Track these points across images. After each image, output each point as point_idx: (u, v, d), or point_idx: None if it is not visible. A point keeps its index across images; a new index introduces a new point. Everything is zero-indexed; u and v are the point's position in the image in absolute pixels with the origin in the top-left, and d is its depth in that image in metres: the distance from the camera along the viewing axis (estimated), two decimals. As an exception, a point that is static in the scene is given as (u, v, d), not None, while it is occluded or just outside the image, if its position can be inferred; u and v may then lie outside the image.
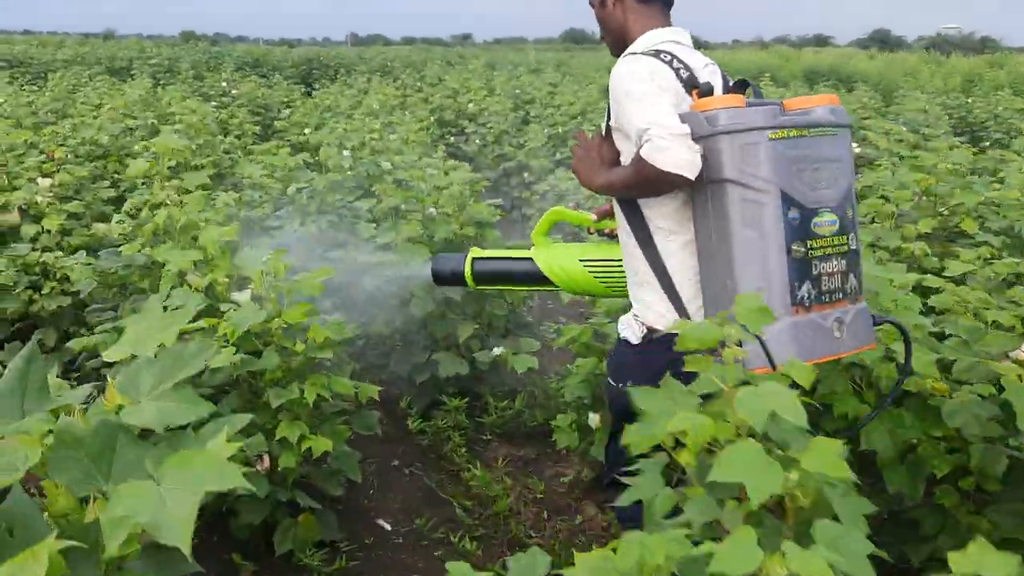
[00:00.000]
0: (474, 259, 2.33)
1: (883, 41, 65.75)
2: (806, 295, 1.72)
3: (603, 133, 2.01)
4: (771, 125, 1.71)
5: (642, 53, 1.89)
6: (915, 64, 21.56)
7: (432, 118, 9.32)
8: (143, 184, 3.31)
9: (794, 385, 1.12)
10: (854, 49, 36.05)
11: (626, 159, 1.93)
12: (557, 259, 2.21)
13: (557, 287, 2.25)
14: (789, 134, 1.71)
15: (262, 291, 2.38)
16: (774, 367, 1.49)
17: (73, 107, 7.52)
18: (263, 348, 2.35)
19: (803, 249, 1.71)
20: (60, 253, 3.60)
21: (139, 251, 2.80)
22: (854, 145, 3.40)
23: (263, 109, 10.23)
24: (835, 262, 1.76)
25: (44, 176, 4.11)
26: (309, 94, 12.38)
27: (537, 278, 2.25)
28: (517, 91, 11.77)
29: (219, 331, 2.23)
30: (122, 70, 16.15)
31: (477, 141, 8.20)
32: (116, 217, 3.18)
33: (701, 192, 1.78)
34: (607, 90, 1.95)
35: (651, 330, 1.94)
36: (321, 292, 2.39)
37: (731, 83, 1.98)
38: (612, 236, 2.21)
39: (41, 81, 12.60)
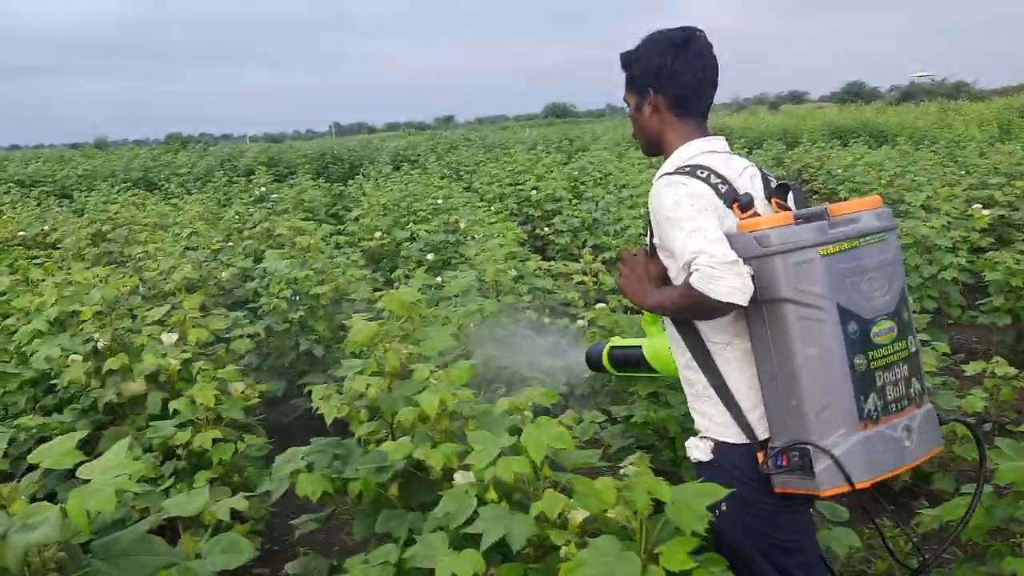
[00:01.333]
0: (612, 347, 2.41)
1: (857, 94, 66.58)
2: (872, 408, 1.71)
3: (647, 251, 1.99)
4: (822, 241, 1.70)
5: (679, 172, 1.87)
6: (933, 113, 21.32)
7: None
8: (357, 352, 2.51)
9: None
10: (874, 103, 36.02)
11: (674, 276, 1.92)
12: (656, 347, 2.23)
13: (659, 373, 2.29)
14: (841, 247, 1.71)
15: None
16: (852, 485, 1.65)
17: (140, 233, 6.86)
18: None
19: (865, 361, 1.70)
20: (216, 432, 2.87)
21: (409, 453, 2.05)
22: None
23: (310, 212, 9.65)
24: (897, 369, 1.75)
25: (169, 330, 3.40)
26: (341, 193, 11.82)
27: (649, 365, 2.28)
28: (573, 172, 11.20)
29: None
30: (140, 180, 15.66)
31: (566, 233, 7.56)
32: (319, 393, 2.41)
33: (756, 312, 1.76)
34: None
35: (716, 443, 1.91)
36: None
37: (773, 185, 1.95)
38: None
39: (67, 201, 12.02)
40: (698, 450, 1.95)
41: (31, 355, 3.42)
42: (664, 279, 1.94)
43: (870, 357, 1.71)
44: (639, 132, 2.07)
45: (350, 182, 13.89)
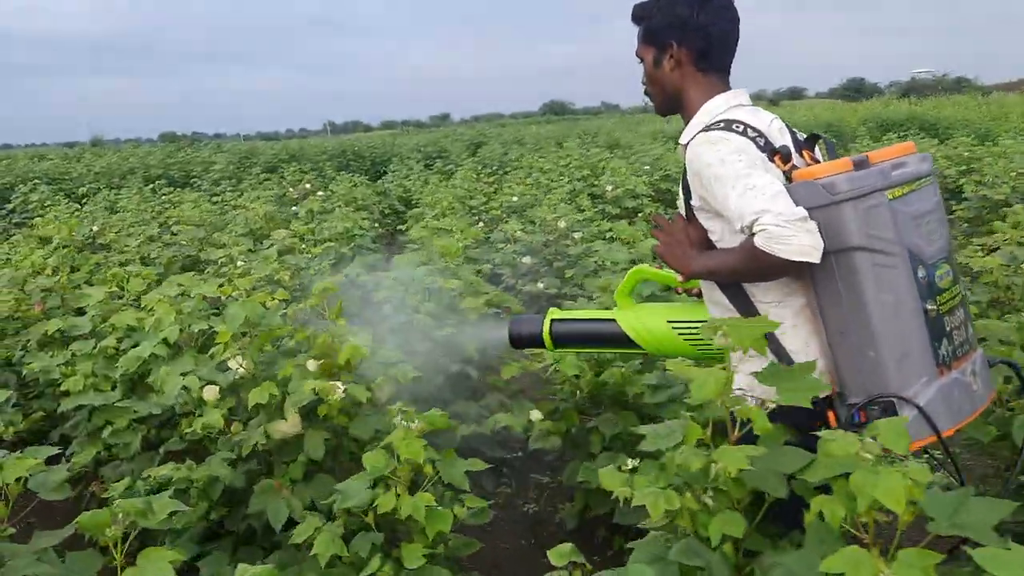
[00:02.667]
0: (553, 320, 2.24)
1: (857, 90, 66.37)
2: (946, 353, 1.69)
3: (684, 215, 1.90)
4: (888, 184, 1.66)
5: (715, 128, 1.79)
6: (973, 106, 20.64)
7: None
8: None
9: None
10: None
11: (718, 238, 1.84)
12: (643, 321, 2.12)
13: (642, 350, 2.16)
14: (903, 190, 1.68)
15: None
16: (939, 434, 1.62)
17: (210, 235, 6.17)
18: None
19: (935, 307, 1.68)
20: (430, 497, 2.21)
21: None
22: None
23: (365, 211, 8.97)
24: (957, 313, 1.73)
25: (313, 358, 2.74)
26: (385, 192, 11.17)
27: (621, 340, 2.15)
28: (643, 166, 10.53)
29: None
30: (160, 177, 14.93)
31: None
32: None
33: (823, 265, 1.66)
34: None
35: (763, 403, 1.67)
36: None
37: (800, 139, 1.89)
38: (699, 295, 2.09)
39: (88, 200, 11.31)
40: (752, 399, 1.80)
41: (159, 387, 2.76)
42: (705, 243, 1.86)
43: (938, 302, 1.69)
44: (656, 88, 1.96)
45: (380, 180, 13.25)
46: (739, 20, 1.92)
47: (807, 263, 1.62)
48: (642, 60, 1.97)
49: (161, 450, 2.88)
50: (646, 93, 2.02)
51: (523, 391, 3.84)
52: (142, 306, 3.36)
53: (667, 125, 26.95)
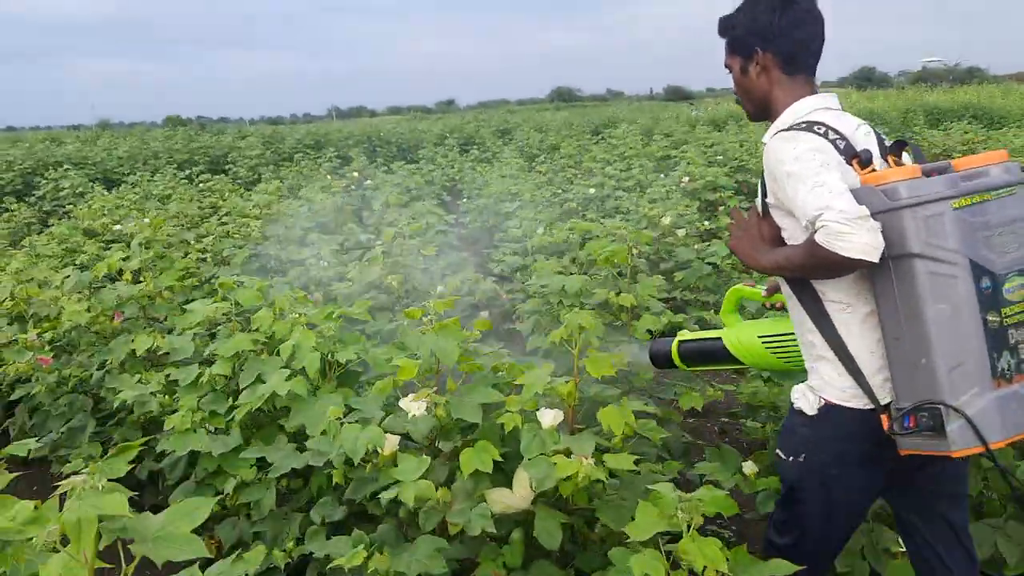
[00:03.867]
0: (680, 342, 2.35)
1: (868, 79, 65.76)
2: (1006, 367, 1.64)
3: (760, 211, 1.93)
4: (954, 194, 1.64)
5: (796, 128, 1.81)
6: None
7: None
8: None
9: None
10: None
11: (789, 236, 1.87)
12: (740, 337, 2.19)
13: (745, 365, 2.24)
14: (972, 200, 1.64)
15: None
16: (986, 446, 1.60)
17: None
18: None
19: (998, 318, 1.64)
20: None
21: None
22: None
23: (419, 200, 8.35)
24: None
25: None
26: (430, 180, 10.53)
27: (730, 357, 2.23)
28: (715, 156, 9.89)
29: None
30: (185, 163, 14.29)
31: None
32: None
33: (882, 269, 1.68)
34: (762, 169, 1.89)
35: (828, 404, 1.84)
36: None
37: (887, 144, 1.88)
38: (785, 309, 2.11)
39: (117, 186, 10.68)
40: (805, 401, 1.89)
41: (298, 431, 2.17)
42: (778, 241, 1.90)
43: (1003, 314, 1.64)
44: (745, 96, 2.01)
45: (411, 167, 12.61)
46: (823, 21, 1.93)
47: (864, 263, 1.62)
48: (731, 70, 2.02)
49: (317, 518, 2.28)
50: (737, 102, 2.05)
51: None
52: (254, 327, 2.77)
53: (695, 112, 26.45)
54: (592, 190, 7.26)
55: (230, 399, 2.63)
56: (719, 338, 2.25)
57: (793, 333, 2.02)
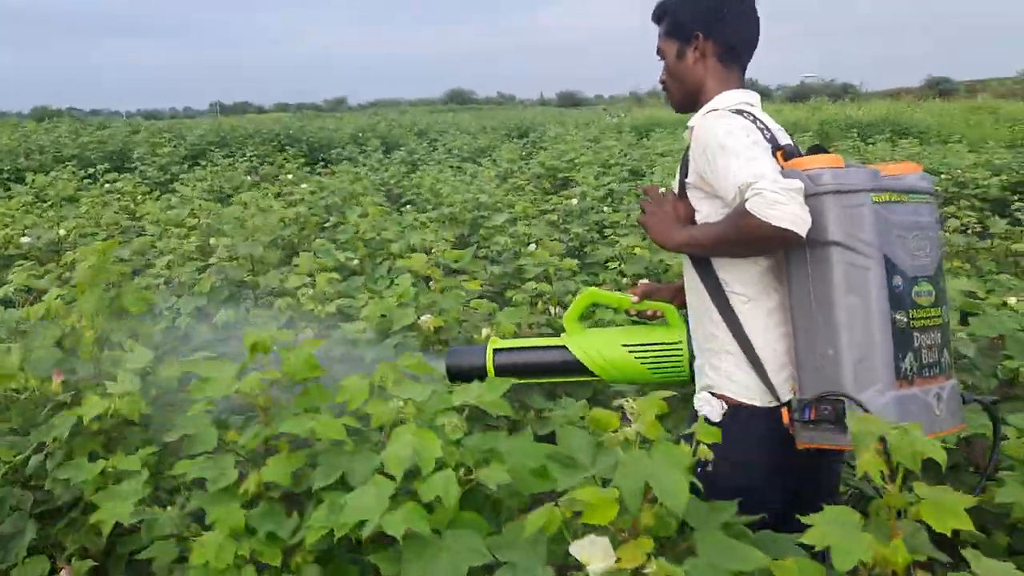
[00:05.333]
0: (495, 350, 2.16)
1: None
2: (909, 368, 1.67)
3: (676, 191, 1.95)
4: (875, 187, 1.67)
5: (727, 110, 1.83)
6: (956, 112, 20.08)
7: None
8: None
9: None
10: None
11: (703, 218, 1.87)
12: (595, 346, 2.07)
13: (596, 376, 2.10)
14: (891, 198, 1.69)
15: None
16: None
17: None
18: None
19: (905, 319, 1.67)
20: None
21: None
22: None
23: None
24: (932, 334, 1.71)
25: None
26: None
27: (572, 368, 2.10)
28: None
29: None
30: (73, 159, 12.64)
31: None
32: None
33: (798, 255, 1.71)
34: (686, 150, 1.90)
35: (733, 404, 1.83)
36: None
37: (800, 151, 1.85)
38: (652, 318, 2.14)
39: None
40: (709, 407, 1.86)
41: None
42: (691, 222, 1.89)
43: (910, 315, 1.67)
44: (676, 83, 1.99)
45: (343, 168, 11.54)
46: (760, 21, 1.95)
47: (793, 236, 1.60)
48: (663, 56, 2.00)
49: None
50: (664, 88, 2.04)
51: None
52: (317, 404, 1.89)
53: (611, 118, 26.17)
54: (574, 200, 6.53)
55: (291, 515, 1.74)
56: (559, 346, 2.10)
57: (669, 342, 2.03)
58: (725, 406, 1.84)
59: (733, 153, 1.71)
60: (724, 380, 1.85)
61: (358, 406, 1.94)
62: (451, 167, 11.40)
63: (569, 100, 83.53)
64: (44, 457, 2.37)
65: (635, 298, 2.12)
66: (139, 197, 7.78)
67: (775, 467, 1.80)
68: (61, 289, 2.66)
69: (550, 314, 3.61)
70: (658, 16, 2.01)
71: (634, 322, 2.27)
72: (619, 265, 4.40)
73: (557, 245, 4.36)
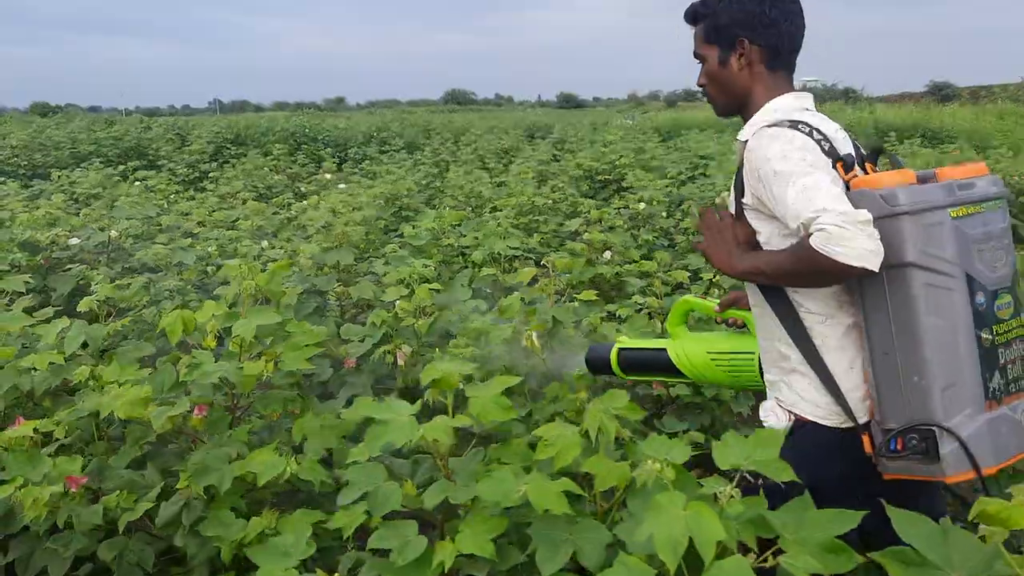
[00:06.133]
0: (620, 349, 2.28)
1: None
2: (996, 387, 1.58)
3: (733, 212, 1.82)
4: (952, 202, 1.58)
5: (779, 126, 1.69)
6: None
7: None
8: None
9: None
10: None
11: (764, 240, 1.77)
12: (686, 350, 2.14)
13: (688, 378, 2.17)
14: (968, 211, 1.59)
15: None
16: (978, 471, 1.52)
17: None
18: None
19: (990, 336, 1.59)
20: None
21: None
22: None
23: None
24: (1017, 347, 1.63)
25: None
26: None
27: (673, 369, 2.16)
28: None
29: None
30: (88, 155, 12.24)
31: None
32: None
33: (874, 279, 1.58)
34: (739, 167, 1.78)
35: (801, 421, 1.75)
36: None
37: (863, 152, 1.82)
38: (739, 326, 2.13)
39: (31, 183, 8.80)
40: (775, 418, 1.79)
41: None
42: (751, 245, 1.79)
43: (995, 332, 1.59)
44: (720, 89, 1.86)
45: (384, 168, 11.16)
46: (804, 16, 1.83)
47: (863, 271, 1.51)
48: (702, 60, 1.88)
49: None
50: (704, 93, 1.92)
51: None
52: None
53: (629, 120, 25.84)
54: (642, 205, 6.21)
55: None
56: (663, 349, 2.18)
57: (744, 351, 2.01)
58: (792, 418, 1.77)
59: (789, 179, 1.60)
60: (794, 397, 1.77)
61: (566, 464, 1.65)
62: (480, 167, 11.07)
63: (570, 102, 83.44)
64: (181, 507, 2.04)
65: (718, 308, 2.13)
66: (171, 196, 7.44)
67: (840, 489, 1.66)
68: (218, 306, 2.29)
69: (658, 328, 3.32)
70: (692, 17, 1.89)
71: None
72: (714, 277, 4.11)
73: (665, 255, 4.04)
